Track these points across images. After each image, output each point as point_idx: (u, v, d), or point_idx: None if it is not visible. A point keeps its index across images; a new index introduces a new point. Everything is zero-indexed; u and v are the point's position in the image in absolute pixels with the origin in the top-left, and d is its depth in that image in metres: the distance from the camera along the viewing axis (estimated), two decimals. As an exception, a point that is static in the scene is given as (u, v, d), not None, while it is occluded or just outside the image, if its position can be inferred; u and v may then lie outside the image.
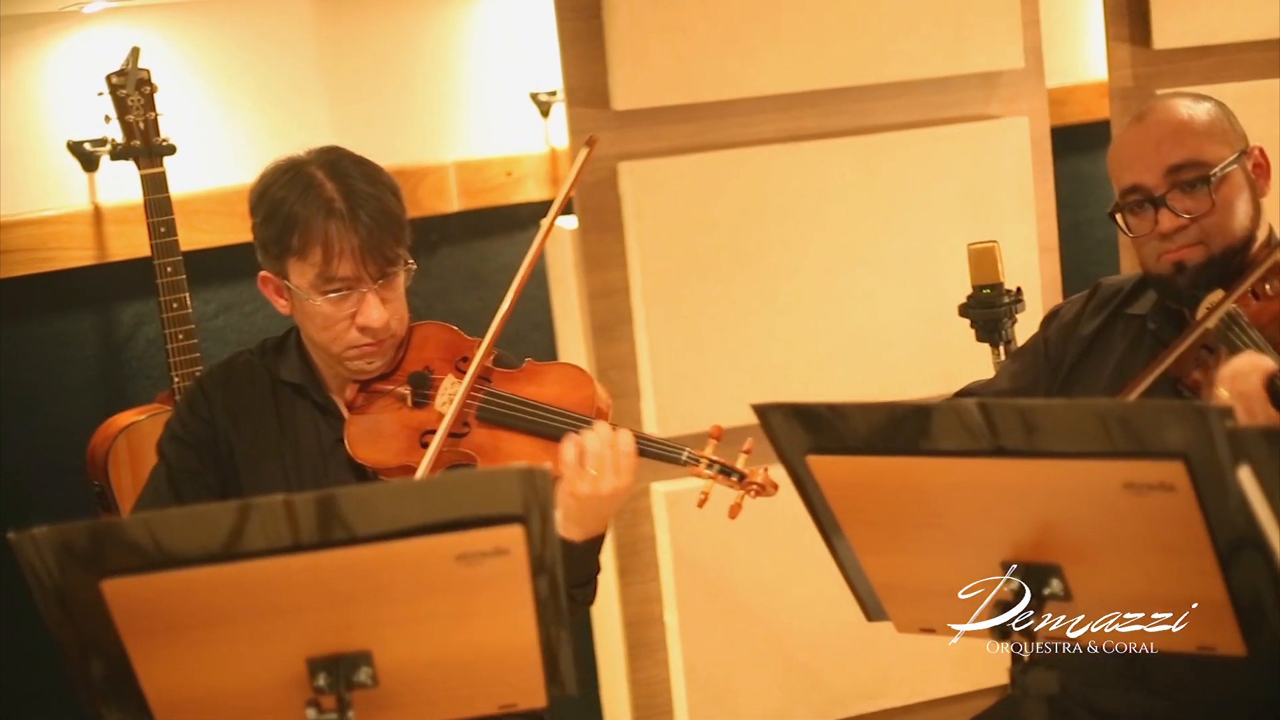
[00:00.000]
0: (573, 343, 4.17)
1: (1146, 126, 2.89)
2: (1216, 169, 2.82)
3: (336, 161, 2.87)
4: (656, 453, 2.82)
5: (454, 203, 4.41)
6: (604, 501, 2.76)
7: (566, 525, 2.78)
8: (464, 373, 2.88)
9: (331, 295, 2.81)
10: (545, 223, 2.95)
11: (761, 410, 2.26)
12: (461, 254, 4.39)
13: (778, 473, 2.45)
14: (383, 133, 4.34)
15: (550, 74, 4.39)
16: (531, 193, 4.48)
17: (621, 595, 4.08)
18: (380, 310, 2.83)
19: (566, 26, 3.89)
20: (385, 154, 4.15)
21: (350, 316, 2.83)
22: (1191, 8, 4.18)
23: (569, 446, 2.76)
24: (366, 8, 4.35)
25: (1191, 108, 2.89)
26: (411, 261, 2.90)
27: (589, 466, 2.74)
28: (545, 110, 4.51)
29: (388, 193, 2.86)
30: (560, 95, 4.35)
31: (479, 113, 4.49)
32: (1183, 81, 4.15)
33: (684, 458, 2.80)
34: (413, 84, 4.41)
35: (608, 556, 4.05)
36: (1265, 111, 4.11)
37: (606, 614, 4.21)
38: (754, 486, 2.79)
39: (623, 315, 3.97)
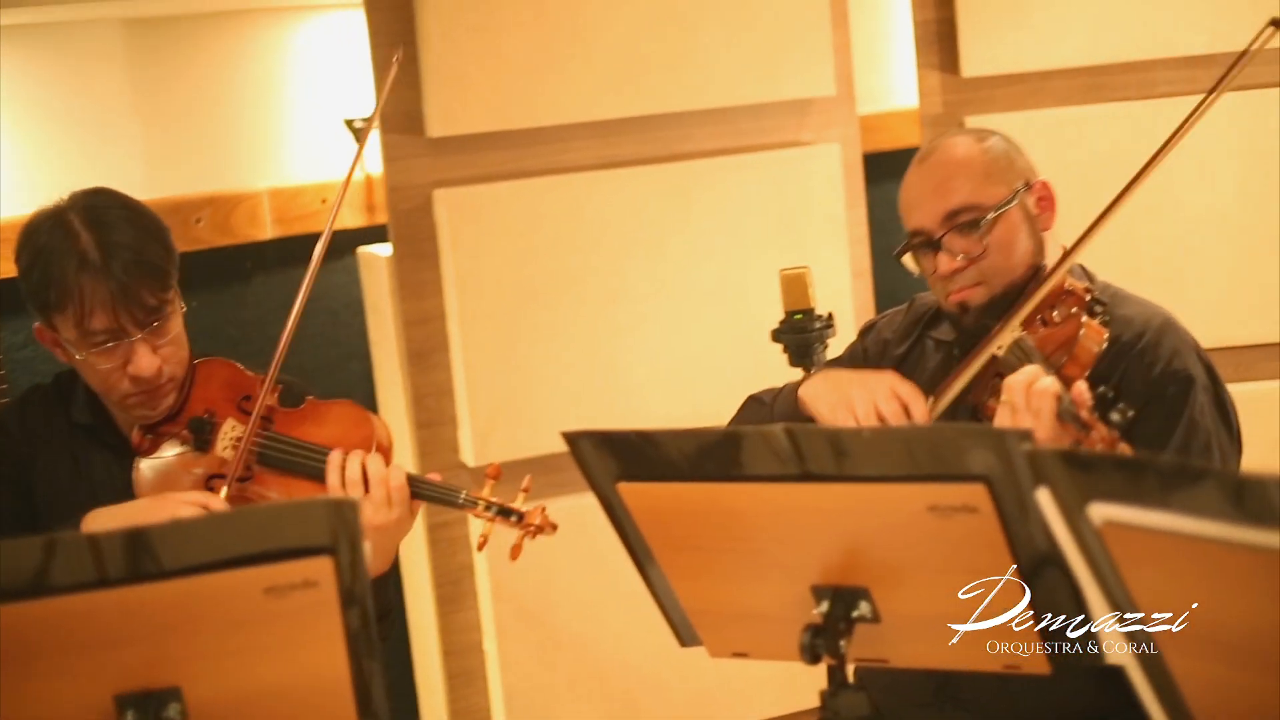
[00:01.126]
0: (389, 371, 4.15)
1: (927, 169, 2.93)
2: (990, 211, 2.86)
3: (95, 207, 2.80)
4: (431, 495, 2.82)
5: (268, 230, 4.37)
6: (381, 534, 2.76)
7: None
8: (246, 413, 2.85)
9: (97, 349, 2.77)
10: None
11: (571, 438, 2.27)
12: (276, 282, 4.36)
13: (558, 509, 2.46)
14: (196, 159, 4.30)
15: (365, 100, 4.37)
16: (346, 219, 4.46)
17: (441, 624, 4.06)
18: (150, 359, 2.79)
19: (380, 53, 3.88)
20: (198, 181, 4.10)
21: (122, 366, 2.78)
22: (999, 36, 4.26)
23: (333, 472, 2.76)
24: (179, 34, 4.30)
25: (971, 148, 2.92)
26: (182, 304, 2.86)
27: (349, 489, 2.74)
28: (360, 137, 4.49)
29: (149, 239, 2.80)
30: (375, 122, 4.33)
31: (293, 139, 4.46)
32: (991, 108, 4.23)
33: (460, 500, 2.81)
34: (226, 110, 4.37)
35: (427, 586, 4.03)
36: (1071, 137, 4.20)
37: (426, 643, 4.19)
38: (532, 527, 2.81)
39: (439, 343, 3.96)
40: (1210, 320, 4.14)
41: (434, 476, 2.87)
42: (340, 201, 2.90)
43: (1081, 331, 2.75)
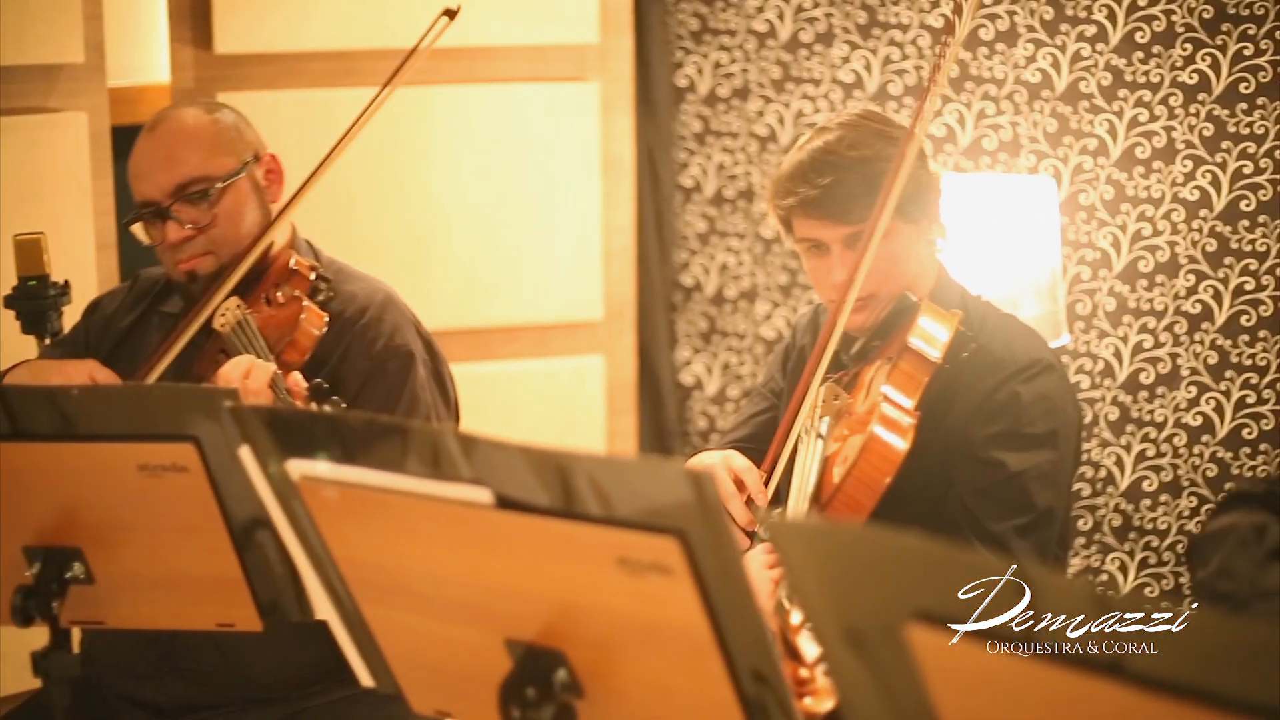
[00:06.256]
0: None
1: (156, 139, 2.92)
2: (219, 181, 2.89)
3: None
4: None
5: None
6: None
7: None
8: None
9: None
10: None
11: None
12: None
13: None
14: None
15: None
16: None
17: None
18: None
19: None
20: None
21: None
22: (254, 15, 4.28)
23: None
24: None
25: (200, 118, 2.94)
26: None
27: None
28: None
29: None
30: None
31: None
32: (245, 86, 4.25)
33: None
34: None
35: None
36: (322, 119, 4.26)
37: None
38: None
39: None
40: (453, 304, 4.32)
41: None
42: None
43: (302, 315, 2.80)
